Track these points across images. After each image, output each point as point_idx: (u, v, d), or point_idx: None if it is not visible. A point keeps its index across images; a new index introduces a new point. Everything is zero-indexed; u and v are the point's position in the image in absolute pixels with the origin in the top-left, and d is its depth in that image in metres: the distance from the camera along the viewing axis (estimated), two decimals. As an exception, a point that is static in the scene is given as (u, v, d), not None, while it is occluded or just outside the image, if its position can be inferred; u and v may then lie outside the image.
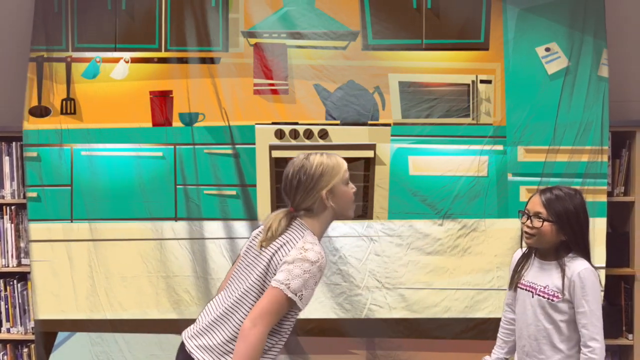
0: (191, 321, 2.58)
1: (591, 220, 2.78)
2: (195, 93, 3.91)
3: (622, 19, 4.08)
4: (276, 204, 3.86)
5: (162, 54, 3.94)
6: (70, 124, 3.93)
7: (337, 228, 3.88)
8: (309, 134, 3.87)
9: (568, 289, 2.59)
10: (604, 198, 3.81)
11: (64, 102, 3.94)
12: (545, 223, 2.59)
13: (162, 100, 3.92)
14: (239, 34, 3.91)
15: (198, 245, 3.91)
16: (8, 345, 4.08)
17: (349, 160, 2.58)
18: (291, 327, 2.46)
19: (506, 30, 3.85)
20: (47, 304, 3.93)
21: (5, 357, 4.07)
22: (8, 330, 4.07)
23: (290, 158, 2.52)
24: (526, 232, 2.65)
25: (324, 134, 3.87)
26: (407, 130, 3.88)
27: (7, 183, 4.05)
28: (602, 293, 3.36)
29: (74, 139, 3.93)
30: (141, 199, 3.92)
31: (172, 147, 3.92)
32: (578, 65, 3.82)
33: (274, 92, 3.90)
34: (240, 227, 3.89)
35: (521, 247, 2.81)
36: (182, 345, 2.50)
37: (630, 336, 3.93)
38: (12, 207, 4.05)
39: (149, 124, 3.92)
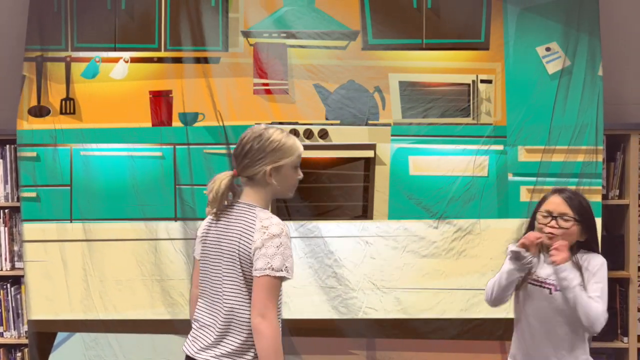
0: (186, 322, 2.51)
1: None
2: (190, 93, 3.90)
3: (617, 25, 4.12)
4: (276, 204, 3.83)
5: (162, 54, 3.93)
6: (69, 124, 3.90)
7: (332, 230, 3.86)
8: (308, 134, 3.85)
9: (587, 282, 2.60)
10: (599, 198, 3.82)
11: (63, 101, 3.91)
12: (574, 223, 2.60)
13: (161, 100, 3.91)
14: (238, 33, 3.92)
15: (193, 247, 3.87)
16: (1, 350, 4.02)
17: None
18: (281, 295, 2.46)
19: (506, 30, 3.87)
20: (41, 305, 3.87)
21: (-1, 361, 4.02)
22: (1, 335, 4.01)
23: None
24: (550, 233, 2.62)
25: (324, 134, 3.86)
26: (407, 130, 3.88)
27: (0, 186, 4.00)
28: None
29: (74, 139, 3.90)
30: (141, 199, 3.88)
31: (172, 147, 3.89)
32: (574, 65, 3.85)
33: (272, 92, 3.89)
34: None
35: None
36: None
37: (625, 339, 3.93)
38: (6, 211, 4.00)
39: (149, 124, 3.90)
